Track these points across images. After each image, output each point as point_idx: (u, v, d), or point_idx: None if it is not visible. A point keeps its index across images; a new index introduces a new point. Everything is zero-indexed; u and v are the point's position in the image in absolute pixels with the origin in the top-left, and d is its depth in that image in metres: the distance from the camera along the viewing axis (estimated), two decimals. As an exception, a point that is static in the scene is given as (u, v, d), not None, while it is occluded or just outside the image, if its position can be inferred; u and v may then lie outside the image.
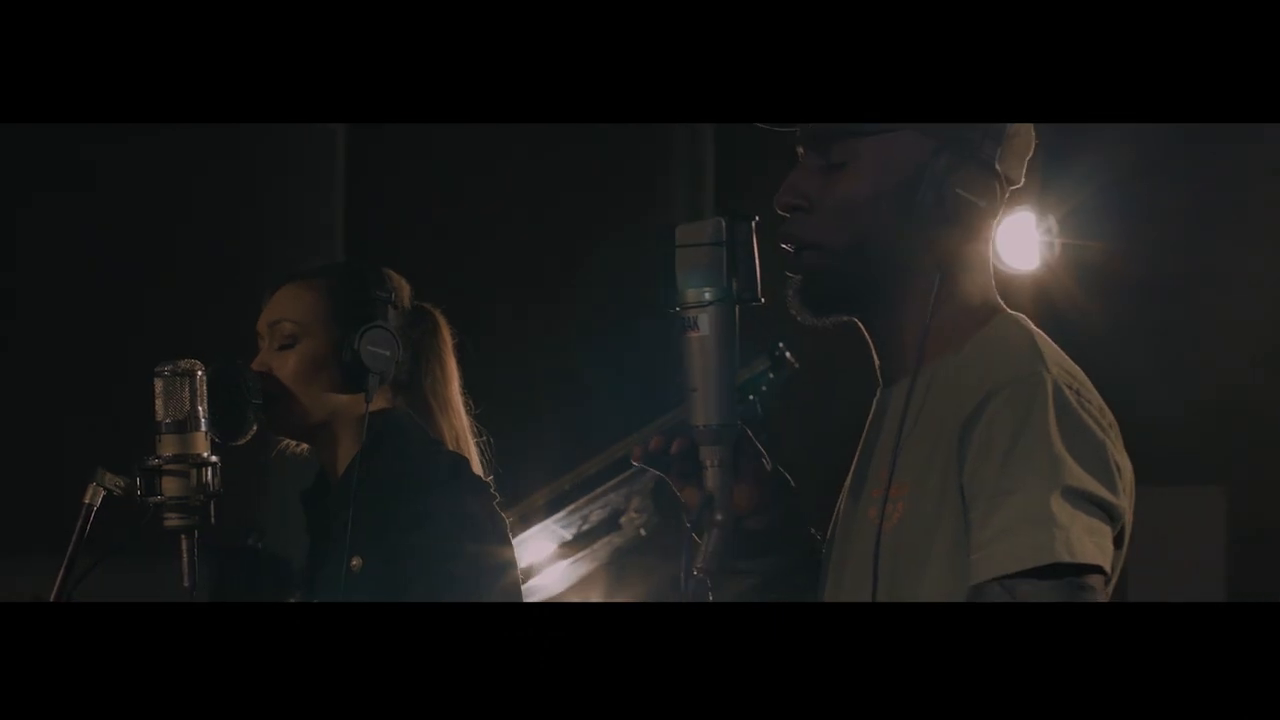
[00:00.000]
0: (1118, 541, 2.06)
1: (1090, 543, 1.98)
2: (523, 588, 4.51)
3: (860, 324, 2.17)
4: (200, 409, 2.76)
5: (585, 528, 4.68)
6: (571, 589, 4.75)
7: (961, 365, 2.10)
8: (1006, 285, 6.19)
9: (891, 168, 2.11)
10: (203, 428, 2.76)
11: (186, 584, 2.74)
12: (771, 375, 4.36)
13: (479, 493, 2.98)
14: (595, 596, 4.77)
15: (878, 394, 2.19)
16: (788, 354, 4.31)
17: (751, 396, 4.40)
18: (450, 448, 3.05)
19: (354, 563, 2.88)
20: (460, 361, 3.13)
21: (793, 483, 2.21)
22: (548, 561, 4.69)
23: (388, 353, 2.96)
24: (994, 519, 1.98)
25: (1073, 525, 1.97)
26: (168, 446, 2.74)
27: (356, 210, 5.93)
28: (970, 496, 2.01)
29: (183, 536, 2.75)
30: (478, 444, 3.11)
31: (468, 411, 3.12)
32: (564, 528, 4.65)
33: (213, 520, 2.78)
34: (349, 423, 3.00)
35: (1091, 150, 6.21)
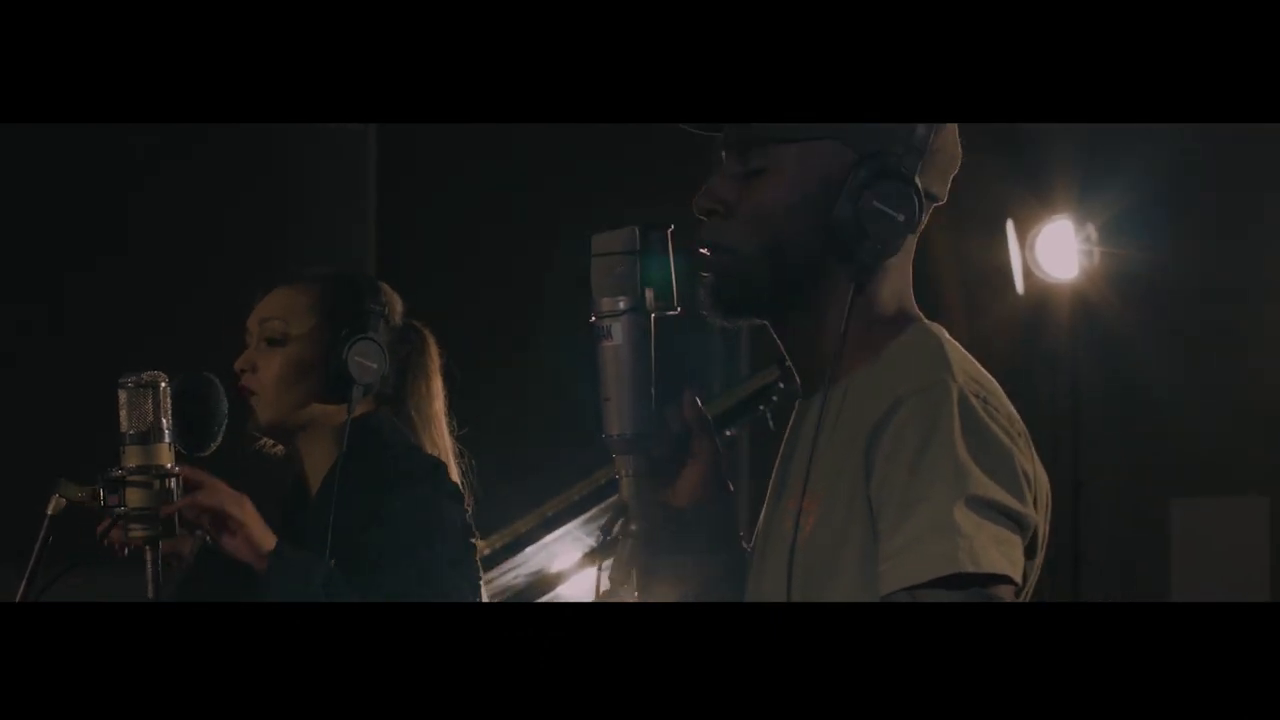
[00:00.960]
0: (1030, 551, 2.03)
1: (997, 552, 1.95)
2: (552, 594, 4.56)
3: (771, 329, 2.16)
4: (164, 420, 2.78)
5: (607, 538, 4.67)
6: (605, 594, 4.73)
7: (873, 375, 2.09)
8: (1045, 294, 6.26)
9: (810, 177, 2.09)
10: (166, 439, 2.78)
11: (151, 594, 2.76)
12: (782, 385, 4.35)
13: (452, 497, 2.99)
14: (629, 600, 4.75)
15: (797, 404, 2.19)
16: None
17: (761, 407, 4.39)
18: None
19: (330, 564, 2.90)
20: (447, 381, 3.15)
21: (731, 488, 2.21)
22: (575, 569, 4.69)
23: (375, 365, 2.99)
24: (900, 529, 1.96)
25: (978, 534, 1.94)
26: (131, 458, 2.77)
27: (387, 214, 5.96)
28: (878, 506, 2.00)
29: (147, 548, 2.78)
30: (459, 464, 3.13)
31: (451, 433, 3.14)
32: (587, 535, 4.65)
33: (177, 531, 2.80)
34: (330, 428, 3.03)
35: (1130, 159, 6.18)
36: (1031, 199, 6.34)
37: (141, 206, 5.59)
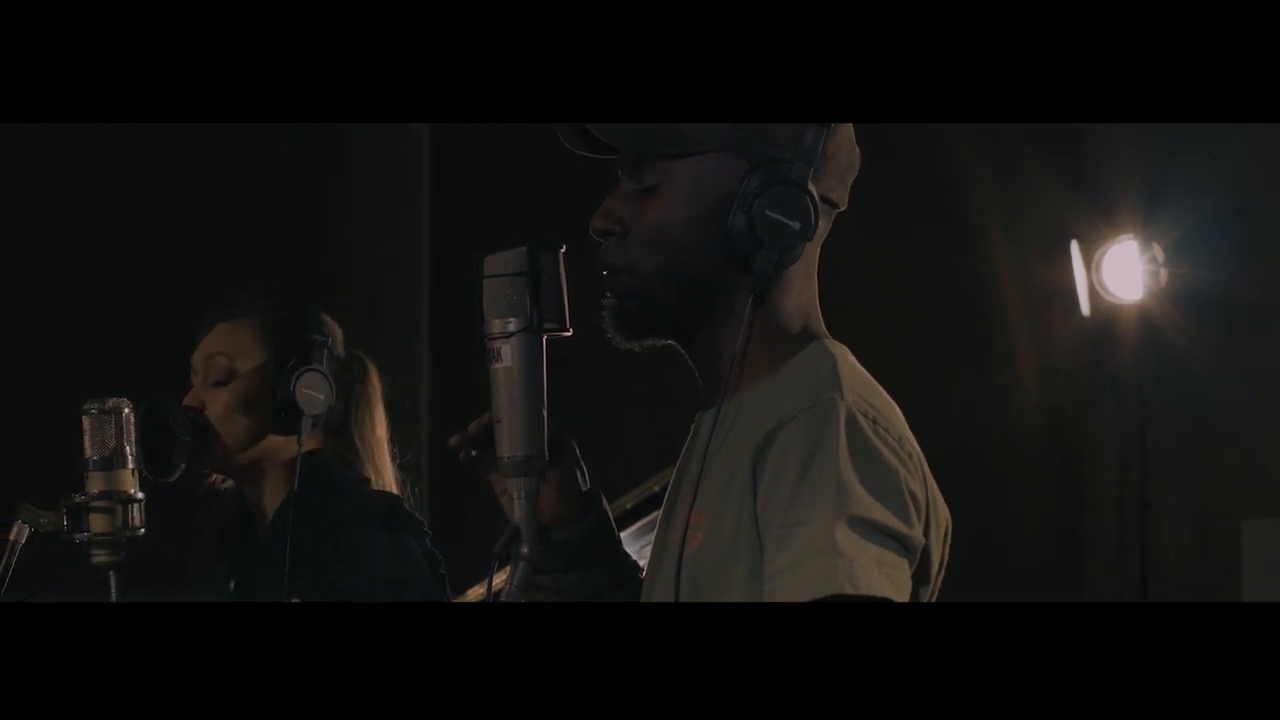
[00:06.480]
0: (922, 575, 2.00)
1: (879, 574, 1.92)
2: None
3: (679, 347, 2.14)
4: (127, 446, 2.81)
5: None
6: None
7: (766, 392, 2.07)
8: (1111, 315, 6.18)
9: (702, 191, 2.07)
10: (130, 465, 2.81)
11: (114, 619, 2.79)
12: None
13: (414, 531, 3.01)
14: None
15: (696, 416, 2.17)
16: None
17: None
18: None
19: (294, 601, 2.92)
20: (389, 409, 3.17)
21: (605, 503, 2.20)
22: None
23: (321, 396, 3.01)
24: (783, 549, 1.94)
25: (859, 556, 1.91)
26: (95, 483, 2.81)
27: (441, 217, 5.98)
28: (763, 525, 1.98)
29: (111, 572, 2.81)
30: (403, 492, 3.15)
31: (394, 460, 3.16)
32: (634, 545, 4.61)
33: (141, 556, 2.83)
34: (278, 462, 3.05)
35: (1194, 178, 6.11)
36: (1096, 219, 6.27)
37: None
